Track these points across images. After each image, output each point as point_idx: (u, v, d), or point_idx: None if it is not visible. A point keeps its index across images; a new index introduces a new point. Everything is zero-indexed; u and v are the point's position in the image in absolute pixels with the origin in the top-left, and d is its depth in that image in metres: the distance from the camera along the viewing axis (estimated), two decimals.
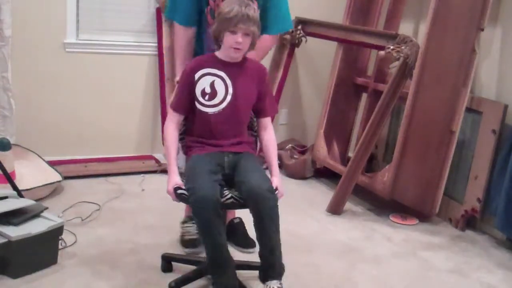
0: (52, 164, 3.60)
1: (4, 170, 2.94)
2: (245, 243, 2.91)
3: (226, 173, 2.35)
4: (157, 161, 4.08)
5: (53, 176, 3.47)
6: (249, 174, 2.27)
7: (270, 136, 2.48)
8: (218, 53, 2.41)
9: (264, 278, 2.29)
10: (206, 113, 2.37)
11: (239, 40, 2.28)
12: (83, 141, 4.01)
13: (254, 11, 2.31)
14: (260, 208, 2.20)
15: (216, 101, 2.37)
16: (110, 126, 4.07)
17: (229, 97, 2.37)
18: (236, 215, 3.00)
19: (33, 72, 3.77)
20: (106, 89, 4.01)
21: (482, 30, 3.22)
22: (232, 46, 2.30)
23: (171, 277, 2.52)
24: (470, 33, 3.23)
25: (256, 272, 2.39)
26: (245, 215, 2.55)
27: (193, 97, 2.38)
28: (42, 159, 3.61)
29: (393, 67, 3.43)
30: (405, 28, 3.83)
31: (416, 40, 3.31)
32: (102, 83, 3.99)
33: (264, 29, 2.59)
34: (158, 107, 4.12)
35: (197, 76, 2.37)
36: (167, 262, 2.66)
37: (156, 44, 4.06)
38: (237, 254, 2.80)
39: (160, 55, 4.06)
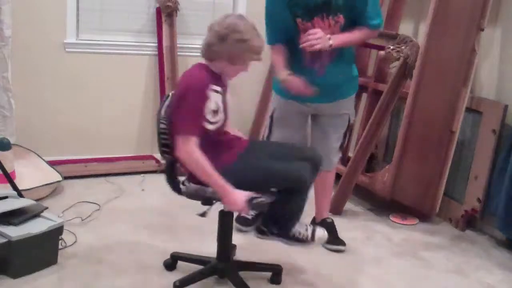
0: (52, 164, 3.60)
1: (4, 170, 2.94)
2: (334, 241, 3.03)
3: None
4: (157, 161, 4.08)
5: (53, 176, 3.47)
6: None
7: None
8: (213, 67, 2.34)
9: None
10: (211, 130, 2.30)
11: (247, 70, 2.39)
12: (83, 141, 4.00)
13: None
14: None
15: (217, 118, 2.31)
16: (110, 126, 4.07)
17: (223, 114, 2.35)
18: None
19: (33, 72, 3.77)
20: (106, 89, 4.01)
21: (482, 30, 3.22)
22: (236, 75, 2.38)
23: (171, 277, 2.52)
24: (470, 33, 3.23)
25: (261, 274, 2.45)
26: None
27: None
28: (42, 159, 3.61)
29: (393, 67, 3.44)
30: (405, 28, 3.82)
31: (416, 40, 3.31)
32: (102, 83, 3.99)
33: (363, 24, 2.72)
34: (158, 107, 4.10)
35: (208, 93, 2.26)
36: (174, 261, 2.67)
37: (156, 44, 4.06)
38: (245, 254, 2.80)
39: (160, 55, 4.06)
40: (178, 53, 4.07)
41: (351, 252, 3.02)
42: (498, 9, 3.28)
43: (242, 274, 2.53)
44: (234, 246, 2.76)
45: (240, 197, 2.23)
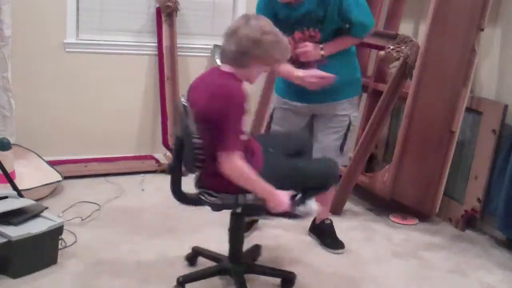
0: (52, 164, 3.60)
1: (4, 170, 2.94)
2: (333, 244, 3.03)
3: None
4: (157, 161, 4.08)
5: (53, 176, 3.47)
6: None
7: None
8: (239, 74, 2.32)
9: None
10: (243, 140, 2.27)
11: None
12: (83, 141, 4.01)
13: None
14: None
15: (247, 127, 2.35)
16: (110, 126, 4.07)
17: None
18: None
19: (33, 72, 3.77)
20: (106, 89, 4.01)
21: (482, 30, 3.22)
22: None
23: (171, 277, 2.51)
24: (470, 33, 3.23)
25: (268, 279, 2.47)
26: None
27: None
28: (42, 159, 3.61)
29: (393, 67, 3.44)
30: (405, 28, 3.83)
31: (416, 40, 3.31)
32: (102, 83, 3.99)
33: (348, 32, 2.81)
34: (158, 107, 4.12)
35: (246, 106, 2.23)
36: (194, 256, 2.69)
37: (156, 44, 4.06)
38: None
39: (160, 55, 4.06)
40: (178, 53, 4.07)
41: (351, 252, 3.02)
42: (498, 9, 3.28)
43: (254, 276, 2.54)
44: (259, 246, 2.78)
45: (284, 196, 2.23)
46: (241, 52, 2.22)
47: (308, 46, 2.76)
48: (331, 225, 3.09)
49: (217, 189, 2.32)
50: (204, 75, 2.40)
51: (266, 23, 2.26)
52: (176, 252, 2.83)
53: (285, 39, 2.30)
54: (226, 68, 2.28)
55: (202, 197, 2.36)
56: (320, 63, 2.79)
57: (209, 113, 2.19)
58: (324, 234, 3.08)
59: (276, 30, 2.28)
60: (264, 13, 2.65)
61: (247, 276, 2.51)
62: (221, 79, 2.25)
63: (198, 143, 2.28)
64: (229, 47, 2.24)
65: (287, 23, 2.74)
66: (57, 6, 3.75)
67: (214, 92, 2.21)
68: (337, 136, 2.95)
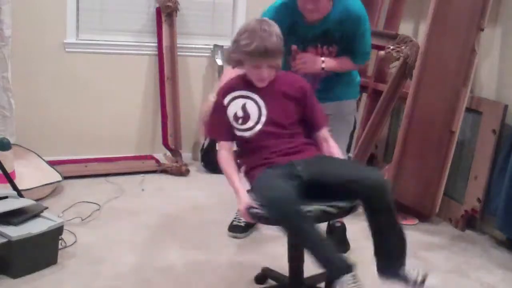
0: (52, 164, 3.60)
1: (4, 170, 2.95)
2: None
3: (305, 181, 2.06)
4: (157, 161, 4.08)
5: (53, 176, 3.47)
6: (353, 171, 2.16)
7: (332, 146, 2.27)
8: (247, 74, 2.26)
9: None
10: (244, 137, 2.22)
11: (263, 75, 2.18)
12: (83, 141, 4.01)
13: (275, 38, 2.14)
14: (384, 199, 2.24)
15: (250, 123, 2.20)
16: (110, 126, 4.07)
17: (263, 118, 2.20)
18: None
19: (33, 72, 3.77)
20: (106, 89, 4.01)
21: (482, 30, 3.22)
22: (256, 79, 2.20)
23: (171, 277, 2.51)
24: (470, 33, 3.23)
25: None
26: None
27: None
28: (42, 159, 3.61)
29: (393, 67, 3.44)
30: (405, 28, 3.83)
31: (416, 40, 3.32)
32: (102, 83, 3.99)
33: (349, 55, 2.77)
34: (158, 107, 4.12)
35: (226, 100, 2.23)
36: (263, 277, 2.58)
37: (156, 44, 4.07)
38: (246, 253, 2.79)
39: (160, 55, 4.06)
40: (178, 53, 4.07)
41: (351, 252, 3.01)
42: (498, 9, 3.28)
43: None
44: None
45: (242, 203, 2.09)
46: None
47: (305, 57, 2.69)
48: (340, 228, 3.07)
49: None
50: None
51: (248, 23, 2.22)
52: (176, 252, 2.83)
53: (246, 41, 2.17)
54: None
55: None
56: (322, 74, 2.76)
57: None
58: (333, 238, 3.07)
59: (247, 31, 2.17)
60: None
61: None
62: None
63: None
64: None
65: (303, 39, 2.70)
66: (57, 6, 3.76)
67: None
68: (344, 136, 2.94)
